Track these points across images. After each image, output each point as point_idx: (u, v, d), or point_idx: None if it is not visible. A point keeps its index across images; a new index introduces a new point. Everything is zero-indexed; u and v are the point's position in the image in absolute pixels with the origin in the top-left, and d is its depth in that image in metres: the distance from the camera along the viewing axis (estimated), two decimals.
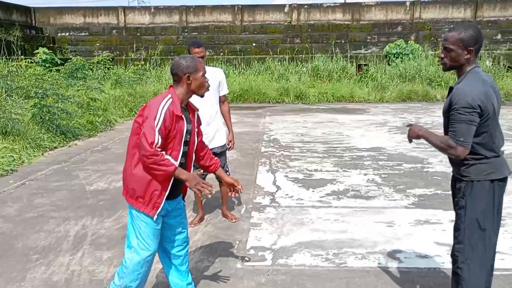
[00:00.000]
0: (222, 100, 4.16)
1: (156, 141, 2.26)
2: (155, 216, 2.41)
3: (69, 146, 7.81)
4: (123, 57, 17.57)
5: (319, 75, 16.50)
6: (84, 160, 6.77)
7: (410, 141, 2.50)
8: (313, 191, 5.13)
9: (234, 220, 4.19)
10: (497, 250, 3.38)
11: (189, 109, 2.55)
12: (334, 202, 4.74)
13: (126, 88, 13.28)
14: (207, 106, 3.91)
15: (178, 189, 2.52)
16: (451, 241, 3.70)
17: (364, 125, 9.98)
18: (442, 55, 2.28)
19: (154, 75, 16.03)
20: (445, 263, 3.29)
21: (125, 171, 2.47)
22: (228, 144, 4.20)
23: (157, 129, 2.26)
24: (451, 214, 4.27)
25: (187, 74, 2.41)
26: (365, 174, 5.81)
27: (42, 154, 7.10)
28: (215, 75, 4.03)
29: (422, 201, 4.71)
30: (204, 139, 3.78)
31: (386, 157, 6.77)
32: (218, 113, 4.08)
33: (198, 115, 2.64)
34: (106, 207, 4.60)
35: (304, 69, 16.92)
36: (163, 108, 2.31)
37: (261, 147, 7.70)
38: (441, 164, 6.26)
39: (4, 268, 3.26)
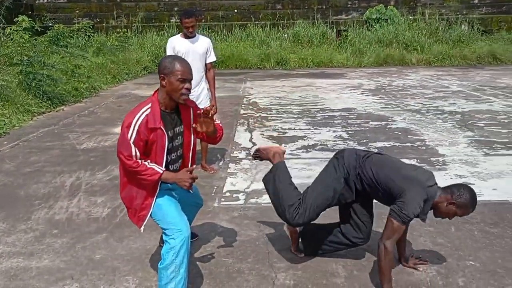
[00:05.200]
0: (208, 67, 4.63)
1: (133, 153, 2.25)
2: (142, 228, 2.44)
3: (56, 111, 8.16)
4: (104, 24, 17.52)
5: (299, 41, 16.80)
6: (72, 123, 7.16)
7: None
8: (285, 146, 5.67)
9: (212, 172, 4.70)
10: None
11: (181, 109, 2.44)
12: (303, 154, 5.30)
13: (108, 56, 13.45)
14: (193, 71, 4.39)
15: None
16: None
17: (340, 88, 10.47)
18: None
19: (136, 42, 16.13)
20: None
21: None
22: (211, 109, 4.63)
23: (131, 142, 2.25)
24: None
25: (162, 75, 2.31)
26: (334, 131, 6.36)
27: (31, 119, 7.45)
28: (203, 42, 4.52)
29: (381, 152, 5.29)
30: None
31: (356, 116, 7.32)
32: (203, 79, 4.58)
33: (195, 108, 2.51)
34: (97, 163, 5.07)
35: (285, 35, 17.19)
36: (137, 121, 2.26)
37: (240, 109, 8.17)
38: (403, 122, 6.84)
39: (11, 211, 3.74)
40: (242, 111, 7.98)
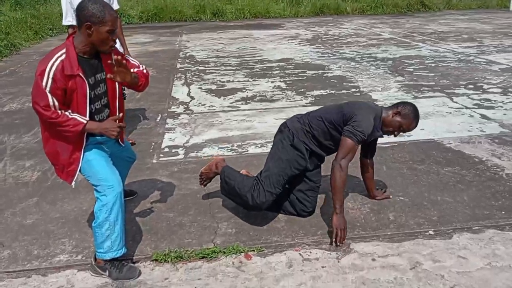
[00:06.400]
0: None
1: (50, 103, 2.07)
2: (73, 184, 2.30)
3: None
4: None
5: None
6: None
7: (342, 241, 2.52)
8: (224, 98, 5.60)
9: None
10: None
11: (102, 54, 2.23)
12: (242, 106, 5.27)
13: (28, 10, 12.31)
14: None
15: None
16: None
17: (277, 39, 10.40)
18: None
19: None
20: None
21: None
22: (123, 57, 4.08)
23: (47, 91, 2.05)
24: None
25: (88, 23, 2.07)
26: (272, 82, 6.35)
27: None
28: None
29: (318, 100, 5.39)
30: None
31: (293, 66, 7.34)
32: None
33: (116, 52, 2.28)
34: (23, 125, 4.72)
35: None
36: (51, 68, 2.06)
37: (177, 63, 7.89)
38: (339, 70, 6.97)
39: None
40: (178, 65, 7.72)
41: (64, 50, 2.11)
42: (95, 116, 2.26)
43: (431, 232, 2.63)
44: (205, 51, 9.07)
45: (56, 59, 2.08)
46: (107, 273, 2.27)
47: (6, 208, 2.99)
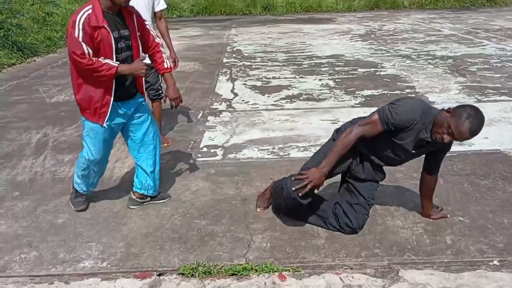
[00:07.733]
0: (158, 16, 3.82)
1: (85, 51, 2.31)
2: (105, 124, 2.53)
3: (28, 62, 7.68)
4: None
5: None
6: (43, 76, 6.74)
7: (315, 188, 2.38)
8: (268, 96, 5.37)
9: (166, 144, 3.90)
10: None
11: (125, 14, 2.49)
12: (286, 105, 5.02)
13: (84, 2, 12.67)
14: None
15: (129, 89, 2.60)
16: None
17: (328, 34, 10.02)
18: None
19: None
20: None
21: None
22: (173, 62, 3.77)
23: (80, 40, 2.30)
24: None
25: None
26: (320, 79, 6.04)
27: (1, 71, 7.00)
28: None
29: (368, 101, 5.03)
30: None
31: (343, 63, 6.97)
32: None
33: (138, 16, 2.56)
34: (67, 117, 4.75)
35: None
36: (80, 20, 2.31)
37: (223, 58, 7.75)
38: (393, 68, 6.53)
39: None
40: (225, 60, 7.58)
41: (90, 6, 2.37)
42: None
43: (495, 262, 2.27)
44: (253, 45, 8.87)
45: (84, 13, 2.33)
46: (73, 194, 2.86)
47: (39, 205, 2.94)
